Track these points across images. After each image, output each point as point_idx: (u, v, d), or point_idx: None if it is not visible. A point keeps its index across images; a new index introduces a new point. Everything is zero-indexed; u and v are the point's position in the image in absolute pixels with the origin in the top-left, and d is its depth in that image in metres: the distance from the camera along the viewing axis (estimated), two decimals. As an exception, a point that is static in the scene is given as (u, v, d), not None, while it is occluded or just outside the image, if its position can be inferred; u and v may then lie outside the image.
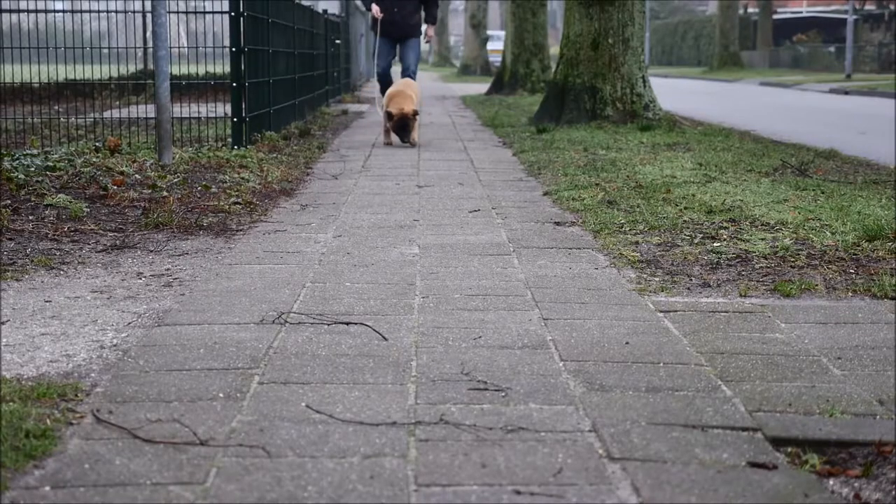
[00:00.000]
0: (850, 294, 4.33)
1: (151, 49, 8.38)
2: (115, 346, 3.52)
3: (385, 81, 12.86)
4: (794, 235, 5.47)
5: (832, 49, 49.54)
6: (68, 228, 5.53)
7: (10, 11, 12.08)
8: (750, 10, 63.06)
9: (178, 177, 7.28)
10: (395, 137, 10.67)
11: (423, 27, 13.01)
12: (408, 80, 11.28)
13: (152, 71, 8.69)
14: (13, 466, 2.47)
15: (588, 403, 2.96)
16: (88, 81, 12.53)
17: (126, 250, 5.14)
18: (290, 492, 2.37)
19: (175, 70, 13.30)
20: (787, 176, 7.96)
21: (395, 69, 12.98)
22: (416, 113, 10.36)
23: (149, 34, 11.53)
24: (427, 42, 13.60)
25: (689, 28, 65.29)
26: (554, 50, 21.54)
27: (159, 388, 3.04)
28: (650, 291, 4.35)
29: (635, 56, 12.36)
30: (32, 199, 6.20)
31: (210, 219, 5.97)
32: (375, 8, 12.44)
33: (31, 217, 5.75)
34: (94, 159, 7.78)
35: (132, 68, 15.54)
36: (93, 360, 3.35)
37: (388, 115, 10.37)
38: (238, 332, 3.64)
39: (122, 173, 7.20)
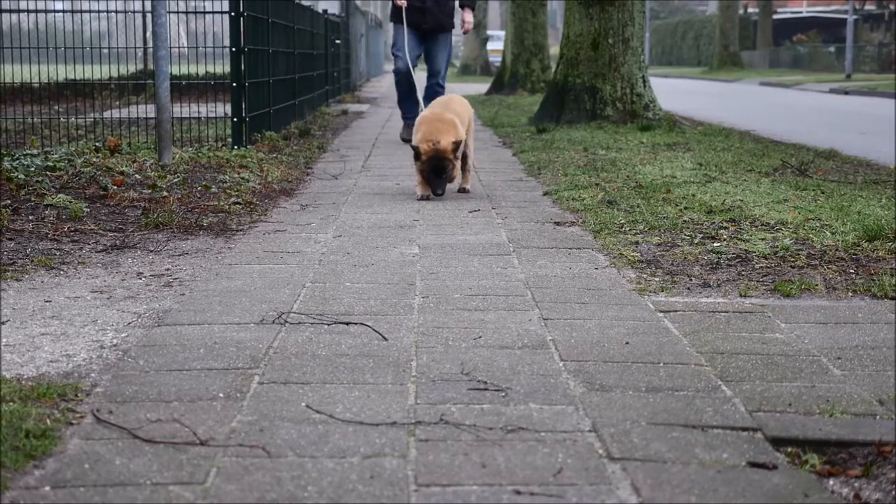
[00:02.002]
0: (850, 294, 4.33)
1: (151, 49, 8.39)
2: (115, 346, 3.52)
3: (406, 83, 10.36)
4: (794, 235, 5.47)
5: (832, 49, 49.55)
6: (68, 228, 5.52)
7: (10, 11, 12.08)
8: (750, 10, 63.06)
9: (178, 177, 7.27)
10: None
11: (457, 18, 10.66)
12: (453, 96, 7.69)
13: (152, 71, 8.69)
14: (13, 466, 2.47)
15: (588, 403, 2.95)
16: (88, 81, 12.52)
17: (126, 250, 5.14)
18: (290, 492, 2.37)
19: (175, 70, 13.30)
20: (787, 176, 7.96)
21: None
22: (457, 146, 6.75)
23: (149, 34, 11.53)
24: (464, 33, 10.86)
25: (689, 28, 65.31)
26: (554, 50, 21.54)
27: (159, 388, 3.04)
28: (650, 291, 4.35)
29: (635, 56, 12.36)
30: (32, 199, 6.20)
31: (210, 219, 5.96)
32: None
33: (31, 217, 5.75)
34: (94, 159, 7.78)
35: (132, 68, 15.55)
36: (93, 360, 3.35)
37: (415, 153, 6.79)
38: (238, 332, 3.64)
39: (122, 173, 7.20)
